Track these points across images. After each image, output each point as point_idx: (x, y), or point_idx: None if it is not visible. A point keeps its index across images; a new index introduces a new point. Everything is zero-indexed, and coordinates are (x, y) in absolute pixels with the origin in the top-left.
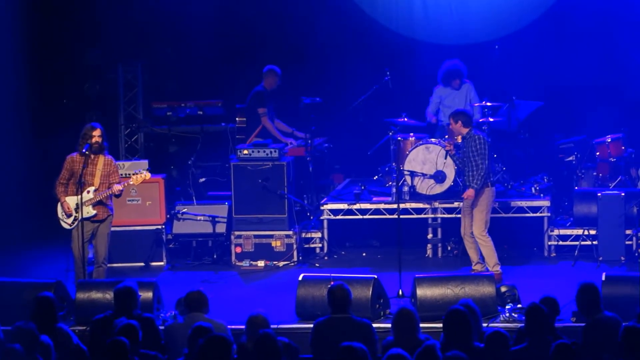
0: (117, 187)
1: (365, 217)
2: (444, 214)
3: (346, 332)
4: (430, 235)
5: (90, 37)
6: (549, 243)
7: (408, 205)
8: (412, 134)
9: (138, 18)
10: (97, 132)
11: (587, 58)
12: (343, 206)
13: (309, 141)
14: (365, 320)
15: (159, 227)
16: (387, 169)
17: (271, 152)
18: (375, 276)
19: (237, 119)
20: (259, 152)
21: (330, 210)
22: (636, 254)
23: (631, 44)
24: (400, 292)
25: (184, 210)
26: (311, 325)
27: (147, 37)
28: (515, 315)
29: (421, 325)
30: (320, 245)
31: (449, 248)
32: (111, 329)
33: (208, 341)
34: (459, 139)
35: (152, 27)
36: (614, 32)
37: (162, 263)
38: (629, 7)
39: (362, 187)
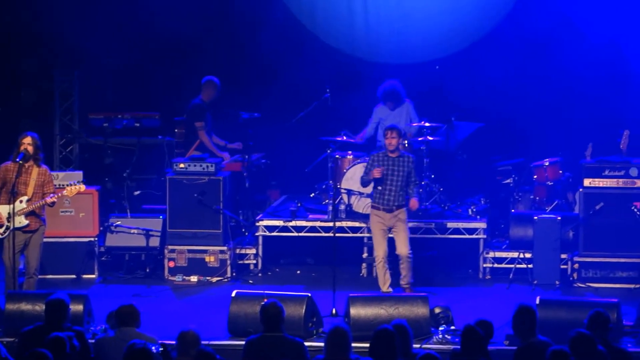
0: (50, 198)
1: (300, 234)
2: None
3: (278, 351)
4: (365, 255)
5: (27, 45)
6: (484, 265)
7: (344, 224)
8: (350, 152)
9: (75, 27)
10: (27, 140)
11: (528, 81)
12: (279, 223)
13: (246, 156)
14: (297, 339)
15: (92, 239)
16: (324, 186)
17: (208, 166)
18: (309, 294)
19: (175, 131)
20: (195, 166)
21: (266, 226)
22: (571, 279)
23: (571, 67)
24: (334, 311)
25: (117, 222)
26: (243, 342)
27: (84, 47)
28: (449, 337)
29: (354, 344)
30: (254, 261)
31: None
32: (40, 341)
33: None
34: (395, 154)
35: (90, 37)
36: (554, 55)
37: (93, 276)
38: (570, 31)
39: (299, 204)
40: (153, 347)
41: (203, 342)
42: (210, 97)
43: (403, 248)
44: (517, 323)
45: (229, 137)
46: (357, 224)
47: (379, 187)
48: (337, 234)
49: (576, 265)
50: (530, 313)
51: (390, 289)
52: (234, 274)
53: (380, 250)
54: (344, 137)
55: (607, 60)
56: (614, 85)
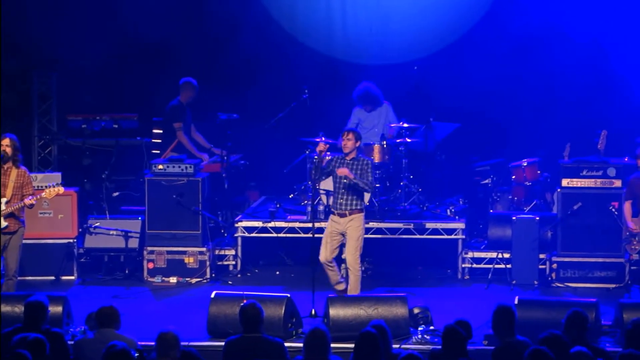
0: (29, 200)
1: (279, 235)
2: None
3: (258, 351)
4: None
5: (5, 47)
6: (463, 265)
7: (323, 224)
8: (328, 152)
9: (54, 29)
10: (5, 142)
11: (506, 81)
12: (258, 224)
13: (225, 157)
14: (277, 339)
15: (71, 240)
16: (302, 187)
17: (186, 167)
18: (288, 295)
19: (153, 131)
20: (174, 167)
21: (245, 227)
22: (549, 278)
23: (549, 68)
24: (313, 312)
25: (96, 224)
26: (222, 343)
27: (63, 49)
28: (428, 337)
29: (333, 345)
30: (233, 262)
31: (363, 268)
32: (19, 342)
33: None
34: (350, 157)
35: (68, 39)
36: (532, 55)
37: (72, 277)
38: (548, 31)
39: (278, 205)
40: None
41: (182, 343)
42: (188, 99)
43: (348, 256)
44: (496, 323)
45: (208, 138)
46: None
47: (334, 190)
48: (316, 235)
49: (554, 265)
50: (509, 313)
51: (343, 286)
52: (213, 275)
53: (322, 254)
54: (323, 139)
55: (585, 61)
56: (592, 85)
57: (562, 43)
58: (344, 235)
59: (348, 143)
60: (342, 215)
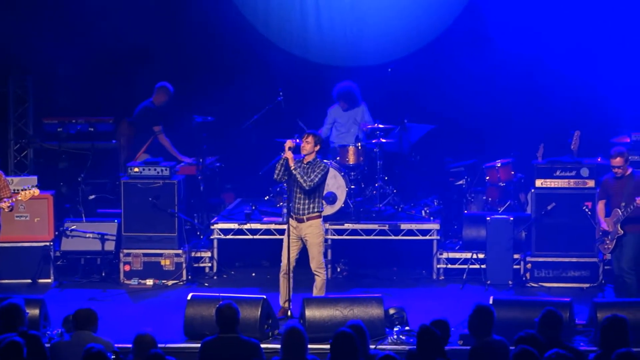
0: (4, 203)
1: (255, 237)
2: (334, 235)
3: (234, 352)
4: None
5: None
6: (438, 266)
7: None
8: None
9: (29, 32)
10: None
11: (479, 83)
12: (233, 226)
13: (201, 160)
14: (253, 340)
15: (47, 243)
16: (278, 189)
17: (162, 170)
18: (265, 296)
19: (121, 131)
20: (149, 170)
21: (221, 229)
22: (524, 278)
23: (522, 68)
24: (289, 313)
25: (72, 227)
26: (199, 345)
27: (38, 52)
28: (403, 338)
29: (309, 346)
30: (209, 264)
31: (338, 269)
32: None
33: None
34: (307, 159)
35: (44, 42)
36: (505, 56)
37: (49, 280)
38: (520, 32)
39: (253, 207)
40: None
41: (159, 345)
42: (161, 103)
43: (313, 263)
44: (474, 323)
45: (183, 141)
46: None
47: (290, 195)
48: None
49: (529, 265)
50: (488, 313)
51: (287, 305)
52: (189, 277)
53: (283, 260)
54: (297, 140)
55: (558, 61)
56: (565, 86)
57: (535, 45)
58: (302, 240)
59: (306, 146)
60: (300, 221)
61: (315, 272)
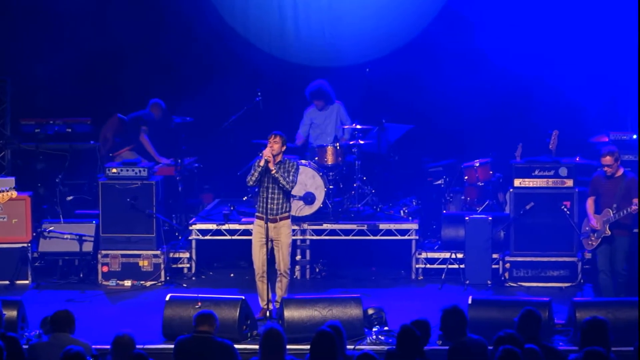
0: None
1: (234, 237)
2: (312, 235)
3: (207, 351)
4: (298, 257)
5: None
6: (417, 266)
7: None
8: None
9: (7, 33)
10: None
11: (457, 82)
12: (212, 226)
13: (179, 160)
14: (226, 341)
15: (25, 245)
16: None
17: (140, 171)
18: (243, 297)
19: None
20: (127, 170)
21: (199, 230)
22: (502, 278)
23: (500, 68)
24: (268, 314)
25: (50, 228)
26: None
27: (16, 53)
28: (382, 338)
29: (288, 346)
30: (188, 265)
31: (317, 270)
32: None
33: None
34: (278, 159)
35: (21, 43)
36: (483, 57)
37: (27, 281)
38: (498, 35)
39: (232, 208)
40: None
41: (138, 346)
42: (156, 117)
43: (281, 264)
44: (445, 325)
45: (162, 142)
46: None
47: (261, 195)
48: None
49: (507, 265)
50: (456, 314)
51: (269, 306)
52: (167, 278)
53: (257, 263)
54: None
55: (536, 60)
56: (543, 85)
57: (513, 46)
58: (272, 241)
59: (275, 146)
60: (273, 221)
61: (283, 274)
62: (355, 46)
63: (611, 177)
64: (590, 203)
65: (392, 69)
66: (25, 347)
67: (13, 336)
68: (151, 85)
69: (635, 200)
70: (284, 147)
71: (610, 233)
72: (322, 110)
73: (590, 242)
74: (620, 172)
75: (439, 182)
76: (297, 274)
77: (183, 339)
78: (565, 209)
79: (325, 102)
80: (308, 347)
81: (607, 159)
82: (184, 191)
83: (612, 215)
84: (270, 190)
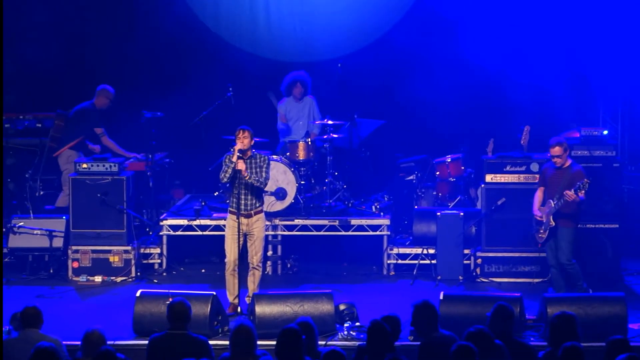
0: None
1: (205, 233)
2: (284, 231)
3: (182, 348)
4: (270, 252)
5: None
6: (388, 261)
7: None
8: (253, 150)
9: None
10: None
11: (429, 78)
12: (183, 222)
13: (150, 156)
14: (201, 337)
15: None
16: (228, 185)
17: (111, 166)
18: (214, 293)
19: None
20: (98, 166)
21: (170, 225)
22: (474, 274)
23: (471, 63)
24: (239, 309)
25: (20, 223)
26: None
27: None
28: (354, 334)
29: (259, 342)
30: (159, 261)
31: (288, 265)
32: None
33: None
34: (248, 154)
35: None
36: (455, 53)
37: None
38: (470, 31)
39: (203, 203)
40: None
41: (108, 342)
42: (102, 106)
43: (254, 257)
44: (416, 321)
45: (132, 137)
46: None
47: (234, 191)
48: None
49: (479, 261)
50: (428, 309)
51: (237, 301)
52: (138, 274)
53: (230, 257)
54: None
55: (508, 56)
56: (514, 80)
57: (485, 42)
58: (245, 236)
59: (245, 140)
60: (247, 216)
61: (256, 267)
62: (327, 41)
63: (560, 168)
64: (538, 194)
65: (363, 64)
66: None
67: None
68: (121, 79)
69: (570, 191)
70: (253, 142)
71: (554, 224)
72: (299, 100)
73: (540, 236)
74: (568, 163)
75: (411, 177)
76: (269, 269)
77: (157, 337)
78: None
79: (305, 90)
80: None
81: (556, 150)
82: (154, 187)
83: (553, 205)
84: (243, 187)
